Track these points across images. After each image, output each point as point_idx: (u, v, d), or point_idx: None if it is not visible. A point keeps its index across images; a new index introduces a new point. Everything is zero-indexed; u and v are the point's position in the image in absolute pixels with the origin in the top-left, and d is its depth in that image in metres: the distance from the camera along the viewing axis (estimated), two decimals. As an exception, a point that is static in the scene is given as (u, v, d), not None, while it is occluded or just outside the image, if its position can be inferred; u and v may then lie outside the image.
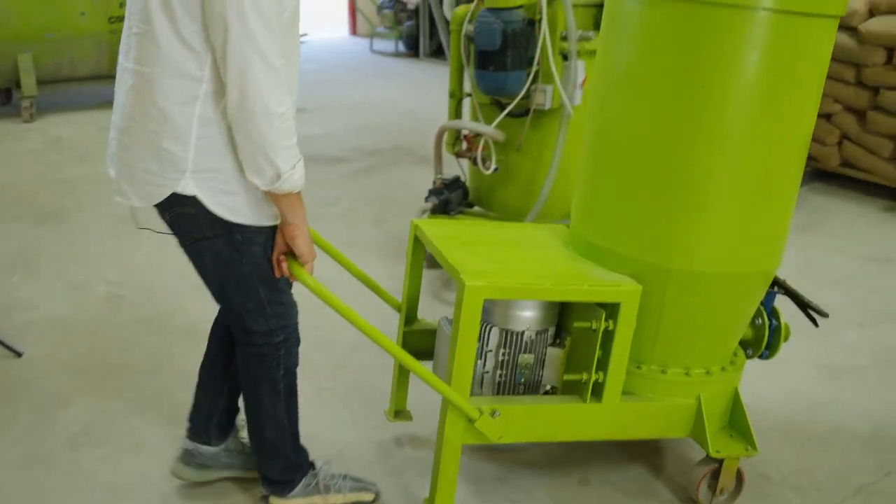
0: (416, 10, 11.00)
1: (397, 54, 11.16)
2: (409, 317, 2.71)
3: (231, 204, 2.01)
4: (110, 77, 7.65)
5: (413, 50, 11.03)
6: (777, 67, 2.18)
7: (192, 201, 2.00)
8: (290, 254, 2.10)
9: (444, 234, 2.54)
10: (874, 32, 5.12)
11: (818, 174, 5.70)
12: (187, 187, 1.98)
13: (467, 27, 3.89)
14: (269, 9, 1.82)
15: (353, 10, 12.64)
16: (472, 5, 3.88)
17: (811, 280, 4.06)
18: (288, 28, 1.94)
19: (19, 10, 7.01)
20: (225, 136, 1.95)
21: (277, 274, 2.13)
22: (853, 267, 4.40)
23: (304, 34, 12.24)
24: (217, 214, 2.01)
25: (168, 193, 1.99)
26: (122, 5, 7.37)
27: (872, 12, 5.27)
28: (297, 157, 1.95)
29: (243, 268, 2.10)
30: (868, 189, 5.47)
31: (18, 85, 7.22)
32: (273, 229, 2.10)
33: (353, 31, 12.88)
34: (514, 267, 2.38)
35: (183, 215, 2.04)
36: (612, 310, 2.31)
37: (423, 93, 8.60)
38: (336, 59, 10.94)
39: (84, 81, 7.64)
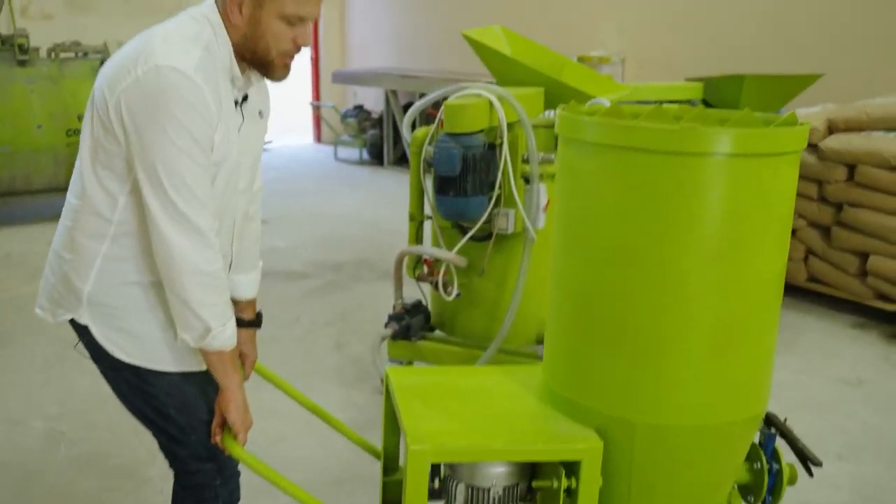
0: (380, 119, 11.05)
1: (361, 162, 11.16)
2: (389, 466, 2.53)
3: (123, 343, 2.03)
4: (66, 190, 7.53)
5: (377, 158, 11.04)
6: (737, 211, 2.08)
7: (87, 331, 2.03)
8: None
9: (409, 384, 2.39)
10: (834, 150, 5.14)
11: (786, 289, 5.62)
12: (83, 317, 2.02)
13: (427, 150, 3.80)
14: (188, 174, 1.84)
15: (318, 118, 12.70)
16: (432, 128, 3.80)
17: (783, 405, 3.90)
18: (223, 174, 1.98)
19: (-27, 125, 6.91)
20: (129, 277, 1.98)
21: (212, 441, 1.99)
22: (826, 390, 4.28)
23: (269, 141, 12.25)
24: (105, 349, 2.03)
25: (68, 318, 2.05)
26: (81, 118, 7.30)
27: (831, 129, 5.31)
28: (229, 315, 1.95)
29: (153, 400, 2.08)
30: (837, 305, 5.40)
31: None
32: (182, 377, 2.06)
33: (318, 138, 12.91)
34: (470, 425, 2.21)
35: (88, 343, 2.07)
36: (573, 467, 2.15)
37: (387, 202, 8.53)
38: (300, 166, 10.91)
39: (40, 194, 7.49)
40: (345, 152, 11.52)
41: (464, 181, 3.59)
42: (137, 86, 1.82)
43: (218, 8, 1.96)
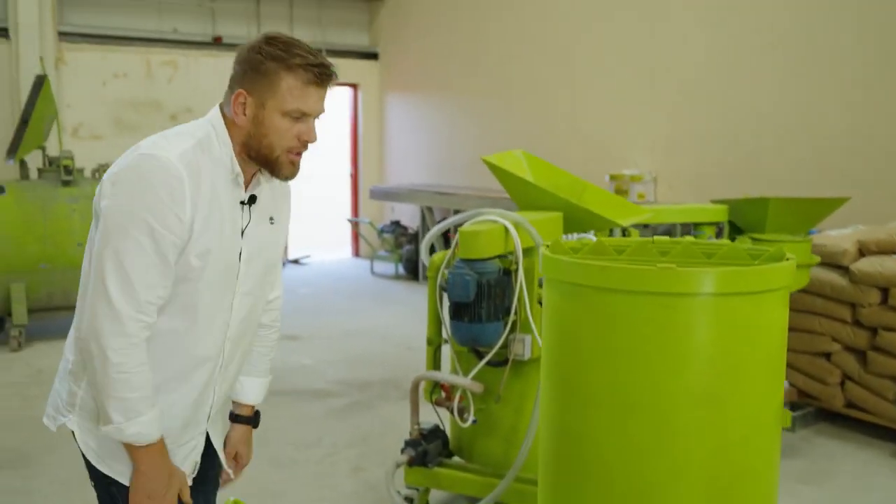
0: (416, 235, 11.17)
1: (397, 277, 11.23)
2: None
3: (100, 451, 2.03)
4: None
5: (413, 273, 11.10)
6: (723, 350, 2.05)
7: (75, 438, 2.06)
8: None
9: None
10: (866, 273, 5.04)
11: (823, 415, 5.45)
12: (71, 421, 2.04)
13: (443, 274, 3.80)
14: (129, 258, 1.85)
15: (356, 234, 12.88)
16: (448, 253, 3.81)
17: (819, 543, 3.73)
18: (213, 270, 1.99)
19: (16, 241, 7.10)
20: None
21: None
22: (865, 526, 4.07)
23: (307, 256, 12.42)
24: (85, 456, 2.05)
25: (61, 424, 2.07)
26: (120, 235, 7.48)
27: (862, 252, 5.22)
28: (138, 411, 1.91)
29: None
30: (876, 432, 5.19)
31: (10, 313, 7.20)
32: None
33: (356, 252, 13.06)
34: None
35: (83, 455, 2.08)
36: None
37: (419, 319, 8.49)
38: (335, 282, 10.99)
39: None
40: (381, 267, 11.61)
41: (478, 307, 3.57)
42: (116, 171, 1.92)
43: (223, 112, 2.04)
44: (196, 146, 1.96)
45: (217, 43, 11.45)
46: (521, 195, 4.37)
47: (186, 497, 2.07)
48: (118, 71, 10.71)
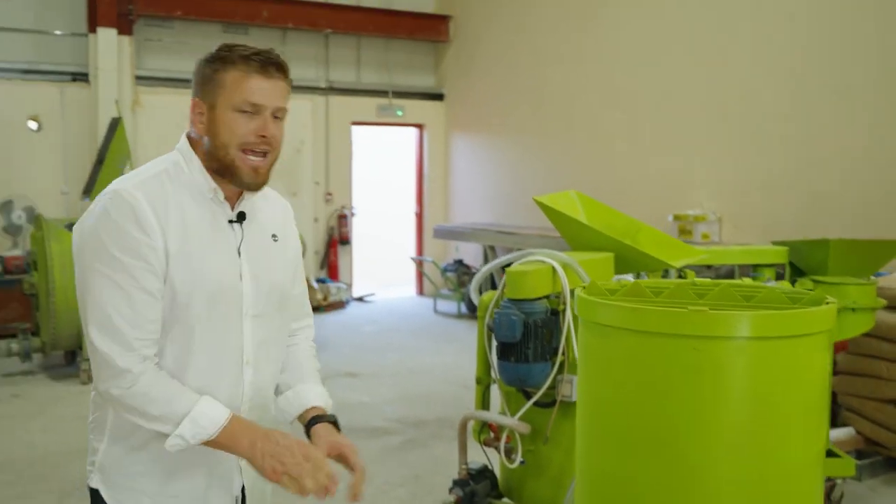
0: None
1: (459, 316, 11.25)
2: None
3: None
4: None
5: (475, 312, 11.09)
6: (759, 395, 2.01)
7: (96, 496, 2.01)
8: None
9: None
10: (934, 316, 4.88)
11: (892, 464, 5.26)
12: (94, 479, 2.01)
13: (491, 313, 3.81)
14: (111, 306, 1.84)
15: (420, 272, 12.97)
16: (497, 293, 3.83)
17: None
18: (203, 295, 1.94)
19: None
20: (133, 437, 1.96)
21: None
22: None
23: (371, 293, 12.54)
24: None
25: (89, 484, 2.03)
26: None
27: (930, 294, 5.06)
28: (179, 417, 1.87)
29: None
30: (948, 482, 5.00)
31: (80, 347, 7.42)
32: None
33: (420, 290, 13.14)
34: None
35: None
36: None
37: (479, 358, 8.50)
38: (399, 320, 11.06)
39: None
40: (444, 305, 11.65)
41: (525, 347, 3.56)
42: (82, 218, 1.94)
43: (189, 137, 2.03)
44: (160, 174, 1.95)
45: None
46: (573, 235, 4.37)
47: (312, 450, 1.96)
48: (191, 113, 11.04)
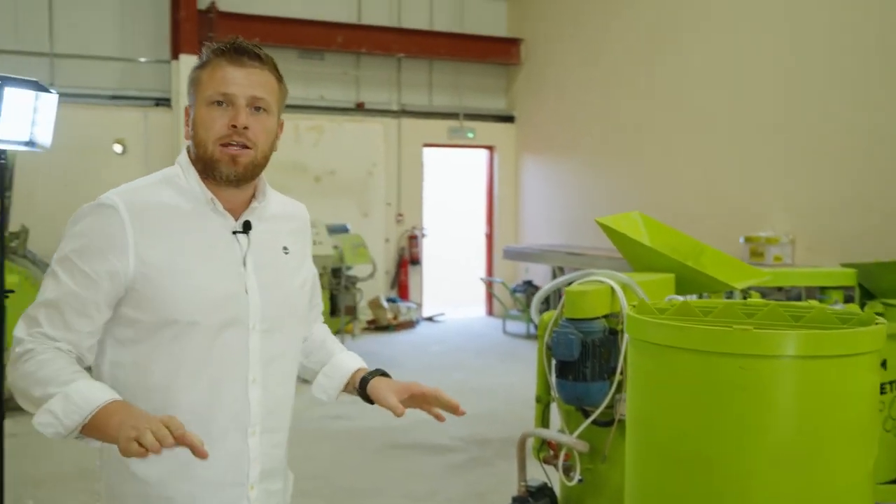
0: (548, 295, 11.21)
1: (528, 336, 11.26)
2: None
3: None
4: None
5: (544, 333, 11.11)
6: (804, 414, 2.03)
7: None
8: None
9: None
10: None
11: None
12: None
13: (550, 332, 3.86)
14: (46, 289, 1.79)
15: (490, 293, 13.04)
16: (556, 313, 3.88)
17: None
18: (199, 304, 1.81)
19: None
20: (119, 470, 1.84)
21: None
22: None
23: (441, 313, 12.65)
24: None
25: None
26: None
27: None
28: (46, 398, 1.69)
29: None
30: None
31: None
32: None
33: (489, 311, 13.20)
34: None
35: None
36: None
37: (546, 379, 8.52)
38: (466, 340, 11.13)
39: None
40: (513, 326, 11.69)
41: (583, 366, 3.60)
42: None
43: (188, 149, 1.94)
44: (158, 182, 1.89)
45: (360, 108, 12.00)
46: (635, 256, 4.39)
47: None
48: (268, 136, 11.37)
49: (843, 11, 8.05)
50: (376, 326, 11.26)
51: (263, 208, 1.96)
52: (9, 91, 3.39)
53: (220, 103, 1.83)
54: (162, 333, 1.80)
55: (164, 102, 10.79)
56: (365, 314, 11.13)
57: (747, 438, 2.10)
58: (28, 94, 3.47)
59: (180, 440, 1.55)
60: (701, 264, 4.35)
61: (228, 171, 1.83)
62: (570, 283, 3.83)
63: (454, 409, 2.04)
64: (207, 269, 1.84)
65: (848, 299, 4.98)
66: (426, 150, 12.67)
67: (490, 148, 13.21)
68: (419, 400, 2.03)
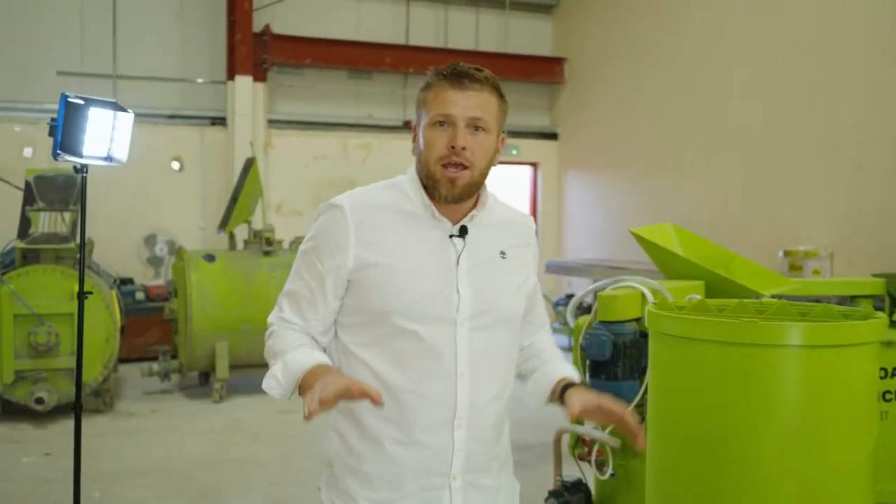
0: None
1: (571, 349, 11.43)
2: None
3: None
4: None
5: (587, 346, 11.28)
6: (808, 399, 2.24)
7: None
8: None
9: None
10: None
11: None
12: (321, 479, 2.14)
13: (584, 335, 4.10)
14: (290, 281, 2.10)
15: (534, 307, 13.23)
16: (590, 317, 4.11)
17: None
18: (401, 298, 1.96)
19: (222, 304, 7.98)
20: (337, 425, 2.11)
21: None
22: None
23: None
24: None
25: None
26: (311, 301, 8.23)
27: None
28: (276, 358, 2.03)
29: None
30: None
31: (213, 368, 8.05)
32: None
33: (534, 325, 13.39)
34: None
35: None
36: None
37: (587, 390, 8.70)
38: (511, 352, 11.33)
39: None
40: (556, 339, 11.86)
41: (615, 366, 3.83)
42: None
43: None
44: (384, 186, 2.06)
45: (407, 126, 12.34)
46: (667, 265, 4.61)
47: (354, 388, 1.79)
48: (318, 153, 11.78)
49: (877, 24, 8.18)
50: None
51: (482, 216, 2.07)
52: (93, 111, 3.76)
53: (441, 124, 1.96)
54: (376, 325, 1.98)
55: (219, 121, 11.24)
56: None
57: (756, 421, 2.32)
58: (108, 114, 3.83)
59: (358, 394, 1.74)
60: (731, 272, 4.55)
61: (447, 192, 1.97)
62: (603, 289, 4.07)
63: (634, 438, 2.04)
64: (420, 267, 1.98)
65: (878, 308, 5.13)
66: (471, 166, 12.94)
67: (534, 164, 13.47)
68: (605, 415, 2.10)
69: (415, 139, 2.04)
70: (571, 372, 2.23)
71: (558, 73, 13.09)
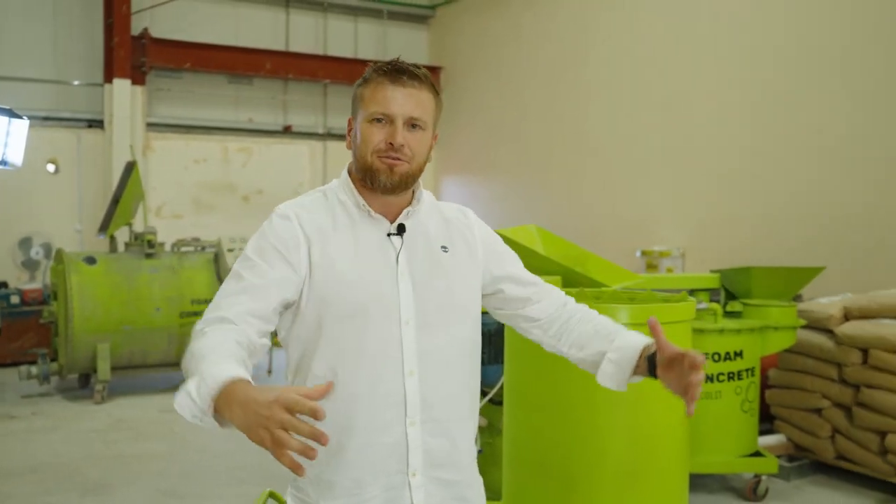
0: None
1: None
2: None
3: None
4: (177, 364, 8.52)
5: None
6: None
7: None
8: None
9: None
10: (849, 335, 5.59)
11: (819, 467, 5.92)
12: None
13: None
14: (226, 283, 1.96)
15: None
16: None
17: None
18: (345, 301, 1.94)
19: (104, 306, 8.06)
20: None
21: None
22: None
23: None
24: None
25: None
26: (194, 302, 8.38)
27: (847, 317, 5.77)
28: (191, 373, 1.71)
29: None
30: (864, 482, 5.65)
31: (95, 370, 8.10)
32: None
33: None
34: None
35: None
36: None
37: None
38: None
39: (153, 368, 8.51)
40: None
41: (482, 352, 4.27)
42: None
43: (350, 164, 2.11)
44: (318, 195, 2.08)
45: (287, 131, 12.57)
46: (530, 263, 5.07)
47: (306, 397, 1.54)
48: (198, 157, 11.88)
49: (729, 36, 8.99)
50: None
51: (418, 212, 2.07)
52: (-12, 118, 3.94)
53: (379, 120, 1.98)
54: (321, 330, 1.95)
55: (96, 124, 11.20)
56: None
57: (592, 388, 2.76)
58: (2, 120, 4.01)
59: (309, 434, 1.51)
60: (586, 269, 5.08)
61: (386, 180, 1.97)
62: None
63: (690, 402, 1.91)
64: (359, 268, 1.97)
65: (714, 300, 5.77)
66: (351, 171, 13.26)
67: (412, 169, 13.88)
68: (677, 361, 1.93)
69: (349, 133, 2.07)
70: (639, 335, 2.10)
71: (435, 81, 13.50)
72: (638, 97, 9.98)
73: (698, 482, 5.46)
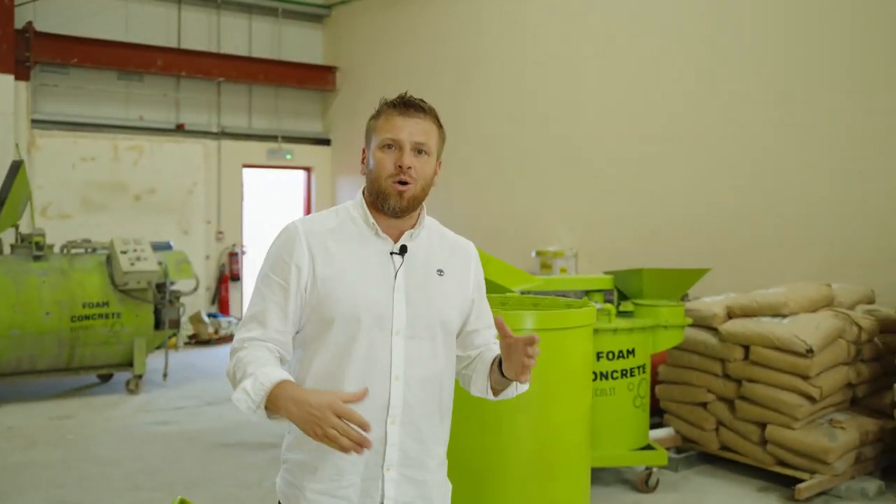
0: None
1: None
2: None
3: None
4: (67, 370, 8.29)
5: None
6: (539, 370, 2.86)
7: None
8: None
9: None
10: (731, 332, 5.93)
11: (703, 457, 6.26)
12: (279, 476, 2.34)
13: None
14: (254, 295, 2.26)
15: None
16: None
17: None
18: (346, 308, 2.18)
19: (-11, 310, 7.78)
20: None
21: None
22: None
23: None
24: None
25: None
26: (86, 305, 8.16)
27: (730, 315, 6.12)
28: (243, 376, 2.10)
29: None
30: (745, 471, 6.01)
31: (-20, 375, 7.81)
32: None
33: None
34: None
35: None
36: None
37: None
38: (287, 351, 11.64)
39: (43, 374, 8.24)
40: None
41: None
42: None
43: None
44: (331, 212, 2.32)
45: (180, 129, 12.33)
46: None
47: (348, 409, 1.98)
48: (87, 155, 11.52)
49: (604, 50, 9.33)
50: (197, 340, 11.58)
51: (421, 235, 2.31)
52: None
53: (389, 146, 2.24)
54: (322, 332, 2.20)
55: (-22, 121, 10.74)
56: (187, 329, 11.43)
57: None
58: None
59: (359, 442, 1.94)
60: (486, 272, 5.23)
61: (395, 204, 2.22)
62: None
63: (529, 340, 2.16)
64: (361, 279, 2.21)
65: (608, 300, 6.02)
66: (246, 170, 13.14)
67: (308, 169, 13.85)
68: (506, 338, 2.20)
69: (363, 161, 2.31)
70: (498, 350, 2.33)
71: (330, 80, 13.56)
72: (534, 99, 10.24)
73: (594, 476, 5.67)
